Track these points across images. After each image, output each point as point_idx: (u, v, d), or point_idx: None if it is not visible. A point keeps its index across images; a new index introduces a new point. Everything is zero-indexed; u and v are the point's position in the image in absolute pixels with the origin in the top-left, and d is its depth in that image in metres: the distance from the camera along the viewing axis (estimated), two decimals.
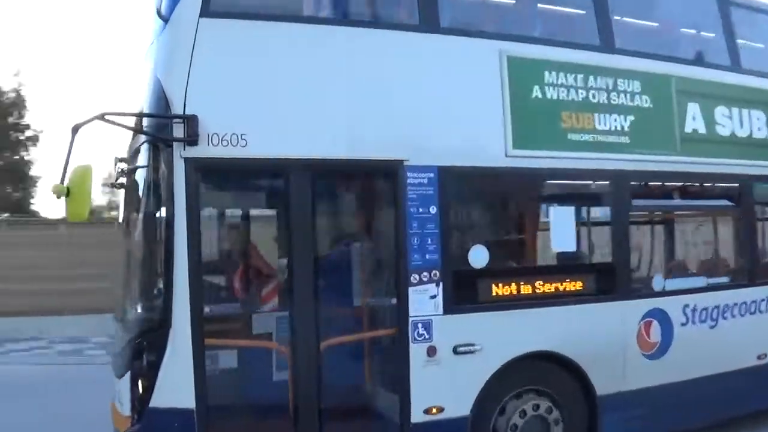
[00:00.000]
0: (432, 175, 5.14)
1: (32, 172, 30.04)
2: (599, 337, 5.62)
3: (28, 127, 29.56)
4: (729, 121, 6.48)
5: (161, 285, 4.60)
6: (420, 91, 5.25)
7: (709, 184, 6.64)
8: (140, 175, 4.92)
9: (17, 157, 29.38)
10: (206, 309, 4.67)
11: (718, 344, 6.22)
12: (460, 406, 5.16)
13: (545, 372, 5.52)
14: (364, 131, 5.01)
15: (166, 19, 4.72)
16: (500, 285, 5.39)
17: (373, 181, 5.45)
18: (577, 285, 5.64)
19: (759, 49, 7.44)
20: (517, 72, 5.50)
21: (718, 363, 6.21)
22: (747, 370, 6.41)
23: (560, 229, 5.66)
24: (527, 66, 5.57)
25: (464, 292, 5.24)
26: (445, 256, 5.12)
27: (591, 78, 5.80)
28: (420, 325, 5.01)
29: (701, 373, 6.09)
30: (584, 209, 6.16)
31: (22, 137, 29.36)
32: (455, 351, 5.14)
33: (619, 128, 5.88)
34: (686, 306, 6.07)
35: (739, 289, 6.47)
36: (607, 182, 5.91)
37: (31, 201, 30.89)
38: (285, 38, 4.91)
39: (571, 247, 5.74)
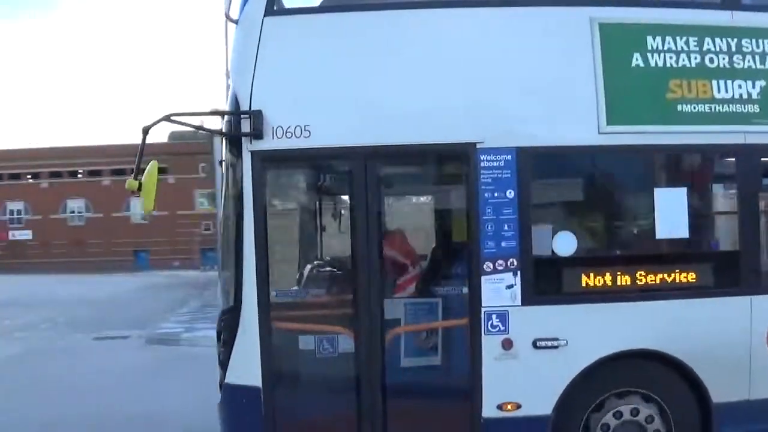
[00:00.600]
0: (510, 157, 4.86)
1: None
2: (718, 337, 4.93)
3: None
4: None
5: (235, 270, 4.85)
6: (497, 69, 4.98)
7: None
8: (220, 170, 5.23)
9: None
10: (273, 293, 4.83)
11: None
12: (540, 404, 4.86)
13: (651, 374, 4.99)
14: (433, 115, 4.83)
15: (235, 21, 4.93)
16: (591, 275, 4.94)
17: (445, 166, 5.22)
18: (690, 277, 4.99)
19: None
20: (612, 40, 5.00)
21: None
22: None
23: (668, 214, 5.00)
24: (624, 32, 5.04)
25: (547, 283, 4.94)
26: (524, 244, 4.82)
27: (708, 40, 5.03)
28: (494, 316, 4.76)
29: None
30: (699, 191, 5.33)
31: None
32: (535, 345, 4.83)
33: (745, 96, 5.05)
34: None
35: None
36: (731, 159, 5.07)
37: None
38: (347, 28, 4.92)
39: (683, 233, 5.01)
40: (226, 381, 4.86)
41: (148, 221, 71.89)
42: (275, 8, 4.90)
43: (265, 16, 4.86)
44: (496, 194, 4.84)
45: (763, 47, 5.06)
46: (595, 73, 4.93)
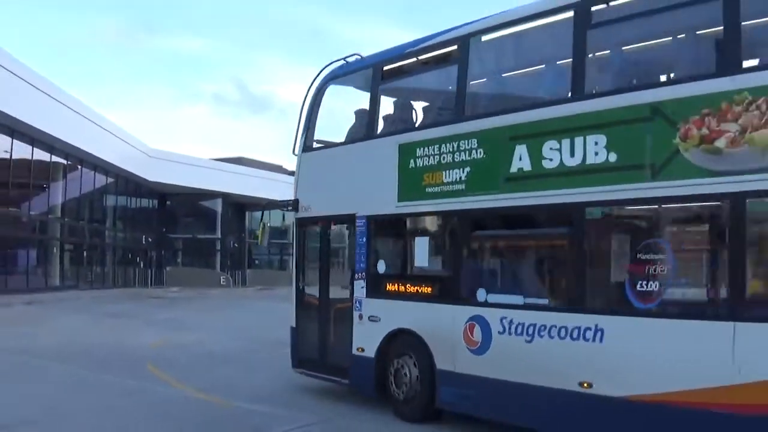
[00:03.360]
0: (365, 220, 9.54)
1: None
2: (440, 327, 8.34)
3: None
4: (557, 154, 7.13)
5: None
6: (360, 178, 9.70)
7: (537, 214, 7.64)
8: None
9: None
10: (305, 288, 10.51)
11: (535, 358, 7.19)
12: (370, 351, 9.26)
13: (412, 343, 8.71)
14: (344, 200, 9.91)
15: (295, 154, 10.72)
16: (389, 285, 9.16)
17: (348, 225, 9.99)
18: (427, 289, 8.64)
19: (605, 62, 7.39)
20: (404, 153, 8.98)
21: (535, 375, 7.17)
22: (569, 393, 6.83)
23: (420, 252, 8.82)
24: (408, 147, 8.92)
25: (375, 287, 9.34)
26: (369, 266, 9.43)
27: (443, 146, 8.42)
28: (357, 302, 9.50)
29: (519, 379, 7.34)
30: (435, 239, 8.82)
31: None
32: (369, 318, 9.33)
33: (458, 179, 8.21)
34: (503, 318, 7.54)
35: (561, 312, 7.08)
36: (452, 218, 8.42)
37: None
38: (322, 158, 10.61)
39: (425, 264, 8.72)
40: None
41: None
42: (306, 147, 10.71)
43: (302, 152, 10.68)
44: (360, 239, 9.51)
45: (472, 146, 8.03)
46: (396, 173, 9.01)
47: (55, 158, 35.36)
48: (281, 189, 55.72)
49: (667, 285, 6.38)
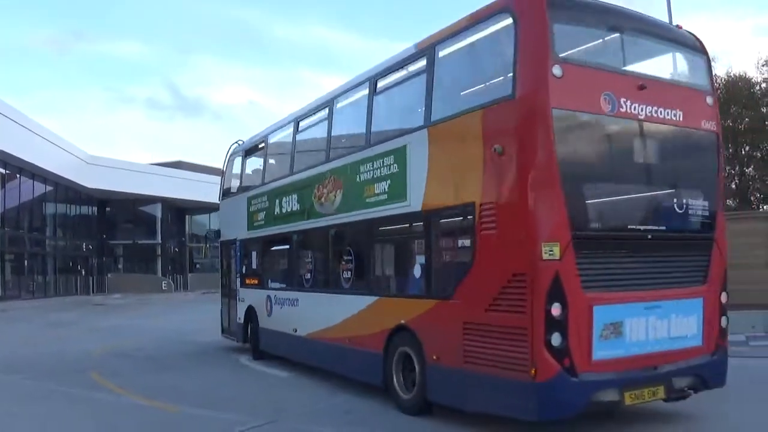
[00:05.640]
0: (238, 243, 14.98)
1: None
2: (260, 303, 13.68)
3: None
4: (285, 203, 12.72)
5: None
6: (238, 214, 14.93)
7: (281, 237, 12.98)
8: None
9: None
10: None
11: (283, 317, 12.67)
12: (241, 318, 14.76)
13: (252, 312, 14.11)
14: (234, 229, 15.26)
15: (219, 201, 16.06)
16: (247, 279, 14.65)
17: (231, 245, 15.46)
18: (255, 281, 14.18)
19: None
20: (248, 202, 14.32)
21: (283, 326, 12.60)
22: (290, 335, 12.18)
23: (252, 260, 14.59)
24: (250, 199, 14.30)
25: (242, 281, 14.80)
26: (240, 268, 14.91)
27: (255, 198, 14.09)
28: (237, 291, 14.97)
29: (280, 329, 12.74)
30: (257, 253, 14.46)
31: None
32: (240, 300, 14.82)
33: (261, 218, 13.74)
34: (276, 295, 13.07)
35: (287, 291, 12.78)
36: (259, 241, 14.21)
37: None
38: (228, 203, 16.05)
39: (254, 267, 14.51)
40: None
41: None
42: (222, 196, 16.34)
43: (221, 199, 16.51)
44: (238, 253, 15.06)
45: (264, 199, 13.51)
46: (246, 214, 14.26)
47: None
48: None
49: (322, 274, 11.81)
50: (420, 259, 8.86)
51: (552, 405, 6.93)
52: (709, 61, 8.74)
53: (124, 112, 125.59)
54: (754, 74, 29.98)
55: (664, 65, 8.65)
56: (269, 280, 13.57)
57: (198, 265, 63.25)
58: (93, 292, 48.01)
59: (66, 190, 45.47)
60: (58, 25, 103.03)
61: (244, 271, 14.78)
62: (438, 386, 8.30)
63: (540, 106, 7.04)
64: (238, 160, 15.55)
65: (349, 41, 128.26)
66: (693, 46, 8.62)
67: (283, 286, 13.01)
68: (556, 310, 6.80)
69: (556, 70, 7.02)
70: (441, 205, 8.37)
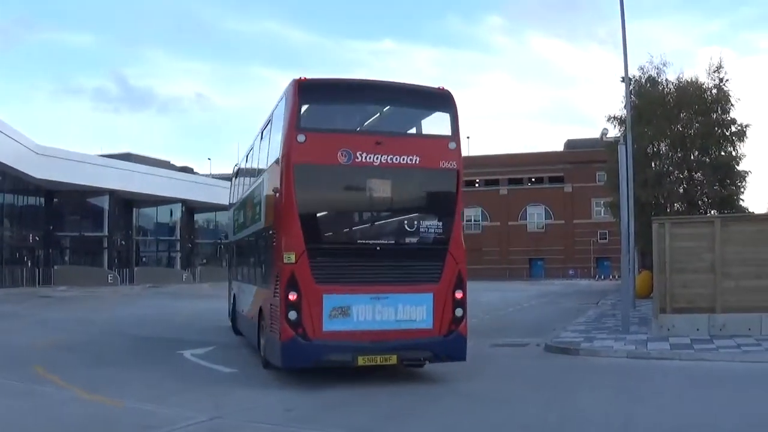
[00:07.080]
0: (232, 243, 17.44)
1: (740, 168, 30.53)
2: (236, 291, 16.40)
3: (733, 122, 30.21)
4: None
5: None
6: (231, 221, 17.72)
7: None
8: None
9: (723, 153, 30.29)
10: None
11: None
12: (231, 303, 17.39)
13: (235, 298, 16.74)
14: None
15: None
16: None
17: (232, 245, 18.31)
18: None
19: None
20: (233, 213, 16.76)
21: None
22: None
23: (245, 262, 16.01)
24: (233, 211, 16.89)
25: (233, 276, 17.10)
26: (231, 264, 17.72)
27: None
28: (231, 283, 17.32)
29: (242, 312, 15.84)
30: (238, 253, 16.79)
31: (727, 132, 30.17)
32: (230, 290, 17.66)
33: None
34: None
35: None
36: (233, 244, 17.37)
37: (740, 197, 31.14)
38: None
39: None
40: None
41: (544, 230, 71.64)
42: (230, 205, 18.10)
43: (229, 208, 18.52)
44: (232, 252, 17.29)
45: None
46: (233, 223, 16.41)
47: None
48: (169, 185, 55.47)
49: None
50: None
51: (290, 357, 10.08)
52: (455, 114, 10.88)
53: (70, 103, 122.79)
54: (705, 80, 30.44)
55: (409, 123, 11.52)
56: (236, 274, 17.28)
57: (144, 259, 62.44)
58: (39, 284, 47.16)
59: (14, 181, 44.44)
60: (4, 13, 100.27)
61: (232, 266, 18.76)
62: (267, 347, 11.41)
63: (286, 163, 10.24)
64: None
65: (301, 37, 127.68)
66: (440, 104, 11.04)
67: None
68: (292, 296, 10.00)
69: (300, 138, 10.09)
70: (266, 224, 12.01)
